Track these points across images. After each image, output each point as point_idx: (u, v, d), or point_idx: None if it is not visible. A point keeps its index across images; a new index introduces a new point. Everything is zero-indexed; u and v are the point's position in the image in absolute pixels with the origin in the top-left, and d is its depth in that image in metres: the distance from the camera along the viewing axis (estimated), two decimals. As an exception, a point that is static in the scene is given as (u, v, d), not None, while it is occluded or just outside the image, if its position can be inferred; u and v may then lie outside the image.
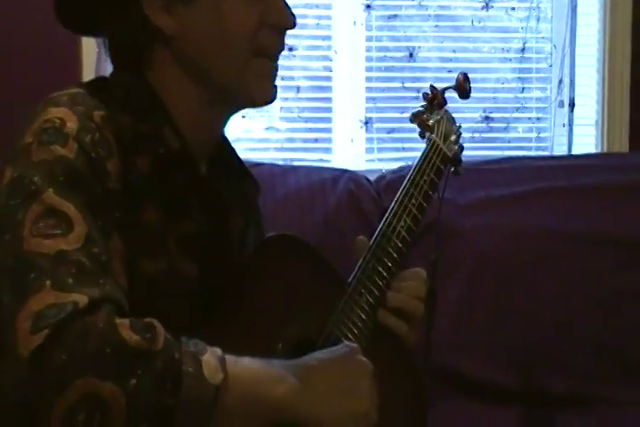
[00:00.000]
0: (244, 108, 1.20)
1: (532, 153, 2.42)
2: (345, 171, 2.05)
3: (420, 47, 2.38)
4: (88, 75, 2.17)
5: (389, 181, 1.99)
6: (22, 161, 1.00)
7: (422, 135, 1.40)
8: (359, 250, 1.23)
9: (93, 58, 2.18)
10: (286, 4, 1.15)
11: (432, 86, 1.44)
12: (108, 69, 2.21)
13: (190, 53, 1.12)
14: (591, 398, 1.83)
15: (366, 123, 2.39)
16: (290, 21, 1.14)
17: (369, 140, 2.40)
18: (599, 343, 1.87)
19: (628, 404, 1.82)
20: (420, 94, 1.47)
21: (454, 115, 1.45)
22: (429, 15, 2.39)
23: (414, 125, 1.45)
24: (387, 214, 1.26)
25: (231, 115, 1.20)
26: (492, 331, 1.85)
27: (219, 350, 0.96)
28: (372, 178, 2.06)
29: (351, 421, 1.02)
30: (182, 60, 1.12)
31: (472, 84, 1.43)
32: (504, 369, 1.84)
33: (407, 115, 1.40)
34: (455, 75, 1.43)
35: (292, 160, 2.34)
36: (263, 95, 1.15)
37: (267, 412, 0.97)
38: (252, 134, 2.39)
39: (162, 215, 1.08)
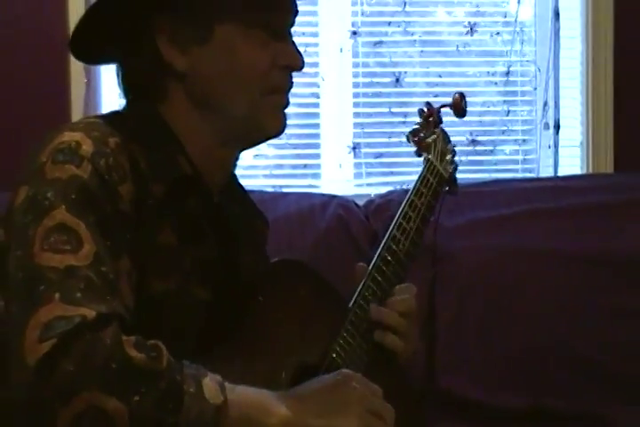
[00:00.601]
0: (256, 141, 1.23)
1: (519, 175, 2.45)
2: (334, 196, 2.06)
3: (406, 72, 2.41)
4: (77, 107, 2.19)
5: (378, 206, 2.01)
6: (36, 179, 1.03)
7: (419, 154, 1.41)
8: (360, 276, 1.25)
9: (82, 90, 2.20)
10: (296, 47, 1.18)
11: (428, 104, 1.46)
12: (97, 101, 2.23)
13: (202, 90, 1.15)
14: (585, 415, 1.84)
15: (354, 148, 2.42)
16: (299, 63, 1.18)
17: (357, 165, 2.43)
18: (589, 361, 1.88)
19: (622, 421, 1.83)
20: (408, 118, 1.49)
21: (439, 138, 1.47)
22: (415, 40, 2.42)
23: (402, 150, 1.47)
24: (385, 238, 1.28)
25: (242, 150, 1.23)
26: (481, 350, 1.86)
27: (218, 376, 0.98)
28: (360, 203, 2.08)
29: None
30: (194, 96, 1.15)
31: (458, 108, 1.45)
32: (496, 388, 1.84)
33: (395, 139, 1.44)
34: (441, 99, 1.45)
35: (280, 187, 2.36)
36: (276, 127, 1.19)
37: None
38: (240, 162, 2.40)
39: (177, 239, 1.11)
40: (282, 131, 1.20)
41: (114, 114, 1.18)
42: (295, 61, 1.17)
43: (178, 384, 0.94)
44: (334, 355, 1.17)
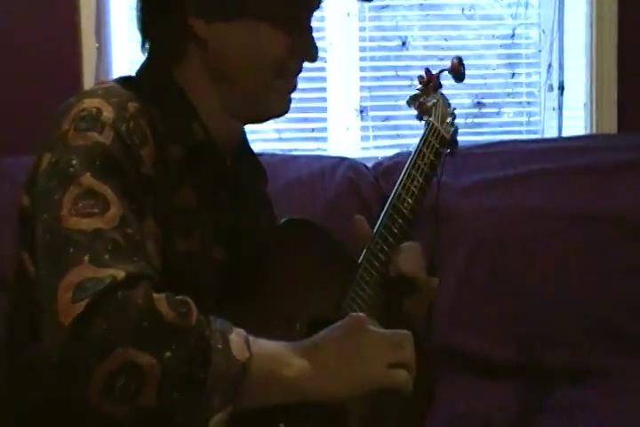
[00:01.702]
0: (258, 119, 1.26)
1: (524, 136, 2.48)
2: (343, 158, 2.10)
3: (412, 36, 2.44)
4: (89, 79, 2.21)
5: (387, 167, 2.05)
6: (60, 147, 1.05)
7: (420, 118, 1.44)
8: (359, 227, 1.29)
9: (93, 54, 2.22)
10: (314, 40, 1.21)
11: (427, 70, 1.49)
12: (108, 65, 2.26)
13: (219, 61, 1.18)
14: (587, 370, 1.89)
15: (361, 111, 2.45)
16: (315, 56, 1.21)
17: (364, 128, 2.46)
18: (593, 317, 1.93)
19: (622, 375, 1.88)
20: (414, 81, 1.52)
21: (446, 101, 1.50)
22: (420, 5, 2.44)
23: (408, 113, 1.50)
24: (391, 196, 1.31)
25: (245, 124, 1.26)
26: (489, 308, 1.92)
27: (243, 331, 1.01)
28: (369, 165, 2.11)
29: (365, 387, 1.06)
30: (210, 64, 1.18)
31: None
32: (501, 344, 1.90)
33: (401, 102, 1.45)
34: (446, 62, 1.48)
35: (289, 150, 2.39)
36: (280, 109, 1.22)
37: (281, 392, 1.02)
38: (248, 126, 2.44)
39: (194, 200, 1.14)
40: (285, 113, 1.23)
41: (129, 79, 1.20)
42: (312, 55, 1.21)
43: (206, 340, 0.96)
44: (347, 308, 1.20)
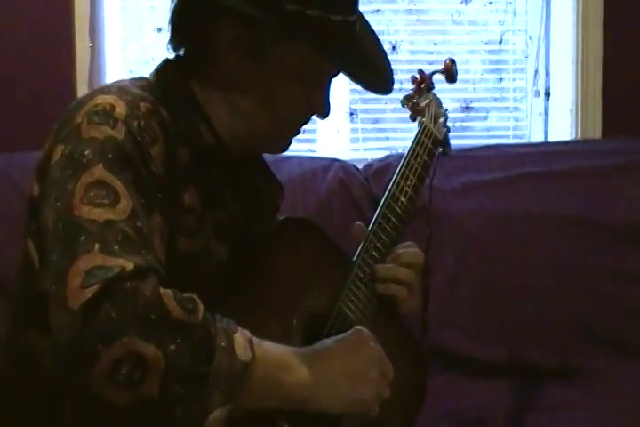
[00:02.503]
0: (256, 151, 1.31)
1: (511, 141, 2.51)
2: (334, 160, 2.12)
3: (402, 40, 2.47)
4: (82, 78, 2.22)
5: (377, 169, 2.08)
6: (73, 139, 1.07)
7: (413, 118, 1.46)
8: (358, 234, 1.31)
9: (87, 54, 2.24)
10: (329, 96, 1.24)
11: (420, 71, 1.50)
12: (101, 65, 2.27)
13: (237, 97, 1.20)
14: (574, 370, 1.93)
15: (351, 114, 2.47)
16: (327, 114, 1.25)
17: (354, 130, 2.48)
18: (580, 318, 1.97)
19: (608, 375, 1.92)
20: (403, 84, 1.55)
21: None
22: (411, 10, 2.47)
23: (398, 116, 1.52)
24: (384, 195, 1.34)
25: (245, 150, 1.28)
26: (477, 308, 1.95)
27: (247, 332, 1.02)
28: (359, 167, 2.14)
29: (358, 407, 1.10)
30: (227, 96, 1.20)
31: (452, 76, 1.51)
32: (490, 344, 1.93)
33: (391, 106, 1.49)
34: (435, 67, 1.50)
35: (279, 151, 2.40)
36: (280, 149, 1.28)
37: (279, 397, 1.04)
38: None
39: (200, 201, 1.16)
40: (283, 151, 1.29)
41: (143, 79, 1.23)
42: (324, 112, 1.25)
43: (211, 337, 0.98)
44: (342, 305, 1.22)
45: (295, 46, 1.17)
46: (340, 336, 1.13)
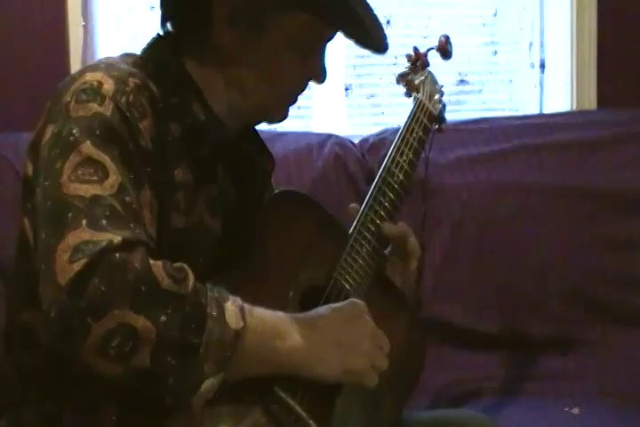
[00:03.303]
0: (255, 122, 1.31)
1: (506, 113, 2.51)
2: (330, 135, 2.12)
3: (396, 14, 2.46)
4: (75, 57, 2.21)
5: (373, 144, 2.07)
6: (61, 118, 1.08)
7: (408, 95, 1.47)
8: (353, 215, 1.32)
9: (80, 32, 2.23)
10: (324, 63, 1.25)
11: (415, 48, 1.52)
12: (94, 43, 2.26)
13: (234, 72, 1.21)
14: (571, 340, 1.94)
15: (347, 89, 2.47)
16: (324, 80, 1.26)
17: (349, 106, 2.48)
18: (573, 288, 1.98)
19: (604, 345, 1.93)
20: (398, 59, 1.55)
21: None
22: (405, -17, 2.47)
23: (393, 91, 1.52)
24: (380, 170, 1.35)
25: (246, 122, 1.29)
26: (473, 280, 1.96)
27: (239, 300, 1.03)
28: (355, 142, 2.14)
29: (351, 376, 1.10)
30: (225, 72, 1.21)
31: (447, 49, 1.51)
32: (486, 316, 1.94)
33: (386, 81, 1.49)
34: (430, 40, 1.51)
35: (275, 128, 2.41)
36: (279, 118, 1.28)
37: (271, 363, 1.05)
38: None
39: (192, 177, 1.16)
40: (281, 121, 1.29)
41: (133, 56, 1.23)
42: (321, 79, 1.26)
43: (202, 307, 0.99)
44: (338, 277, 1.23)
45: (294, 15, 1.17)
46: (334, 305, 1.14)
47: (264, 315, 1.06)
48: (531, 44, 2.48)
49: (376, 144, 2.06)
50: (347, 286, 1.23)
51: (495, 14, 2.50)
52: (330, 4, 1.17)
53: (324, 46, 1.26)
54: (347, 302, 1.15)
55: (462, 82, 2.49)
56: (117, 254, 0.96)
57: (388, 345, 1.14)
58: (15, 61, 2.19)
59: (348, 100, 2.47)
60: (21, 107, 2.13)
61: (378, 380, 1.12)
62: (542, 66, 2.48)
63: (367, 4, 1.22)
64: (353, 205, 1.34)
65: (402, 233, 1.30)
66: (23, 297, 1.15)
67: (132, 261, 0.97)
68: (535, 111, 2.47)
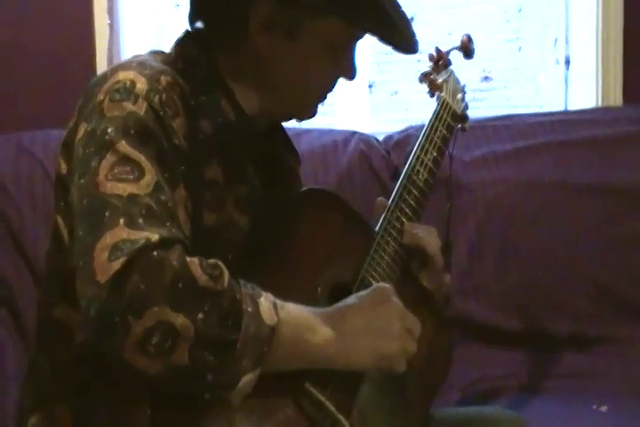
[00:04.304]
0: (285, 120, 1.34)
1: (531, 110, 2.50)
2: (355, 132, 2.13)
3: (421, 11, 2.45)
4: (101, 55, 2.23)
5: (397, 141, 2.08)
6: (95, 116, 1.09)
7: (432, 94, 1.48)
8: (380, 210, 1.32)
9: (106, 31, 2.24)
10: (355, 60, 1.27)
11: (437, 48, 1.53)
12: (119, 42, 2.28)
13: (267, 75, 1.23)
14: (592, 337, 1.95)
15: (370, 86, 2.47)
16: (354, 77, 1.28)
17: (373, 102, 2.48)
18: (599, 286, 1.98)
19: (627, 342, 1.94)
20: (426, 56, 1.56)
21: (455, 75, 1.54)
22: (429, -20, 2.46)
23: (417, 88, 1.54)
24: (405, 169, 1.35)
25: (275, 120, 1.32)
26: (498, 277, 1.96)
27: (271, 295, 1.04)
28: (379, 138, 2.14)
29: (383, 362, 1.11)
30: (258, 74, 1.23)
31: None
32: (509, 313, 1.95)
33: (410, 78, 1.49)
34: (454, 37, 1.52)
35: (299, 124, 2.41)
36: (308, 116, 1.30)
37: (305, 357, 1.06)
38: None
39: (222, 174, 1.18)
40: (311, 118, 1.31)
41: (162, 53, 1.23)
42: (352, 76, 1.28)
43: (238, 303, 1.00)
44: (365, 274, 1.24)
45: (327, 20, 1.19)
46: (360, 293, 1.15)
47: (294, 310, 1.06)
48: (556, 41, 2.47)
49: (400, 141, 2.06)
50: (374, 282, 1.23)
51: (520, 10, 2.49)
52: (363, 9, 1.18)
53: (355, 44, 1.27)
54: (372, 287, 1.16)
55: (486, 78, 2.48)
56: (155, 253, 0.97)
57: (419, 325, 1.14)
58: (42, 60, 2.21)
59: (372, 97, 2.47)
60: (49, 105, 2.15)
61: (406, 366, 1.12)
62: (567, 62, 2.47)
63: (399, 6, 1.23)
64: (380, 198, 1.35)
65: (418, 241, 1.30)
66: (56, 293, 1.17)
67: (169, 259, 0.97)
68: (560, 108, 2.46)
